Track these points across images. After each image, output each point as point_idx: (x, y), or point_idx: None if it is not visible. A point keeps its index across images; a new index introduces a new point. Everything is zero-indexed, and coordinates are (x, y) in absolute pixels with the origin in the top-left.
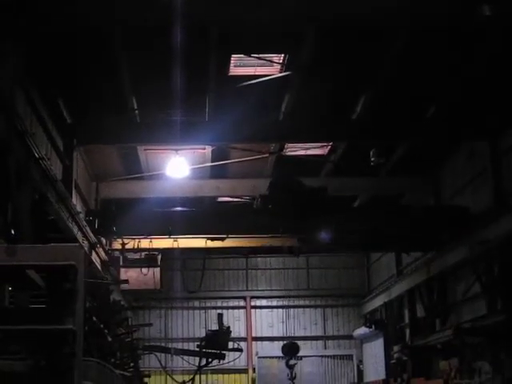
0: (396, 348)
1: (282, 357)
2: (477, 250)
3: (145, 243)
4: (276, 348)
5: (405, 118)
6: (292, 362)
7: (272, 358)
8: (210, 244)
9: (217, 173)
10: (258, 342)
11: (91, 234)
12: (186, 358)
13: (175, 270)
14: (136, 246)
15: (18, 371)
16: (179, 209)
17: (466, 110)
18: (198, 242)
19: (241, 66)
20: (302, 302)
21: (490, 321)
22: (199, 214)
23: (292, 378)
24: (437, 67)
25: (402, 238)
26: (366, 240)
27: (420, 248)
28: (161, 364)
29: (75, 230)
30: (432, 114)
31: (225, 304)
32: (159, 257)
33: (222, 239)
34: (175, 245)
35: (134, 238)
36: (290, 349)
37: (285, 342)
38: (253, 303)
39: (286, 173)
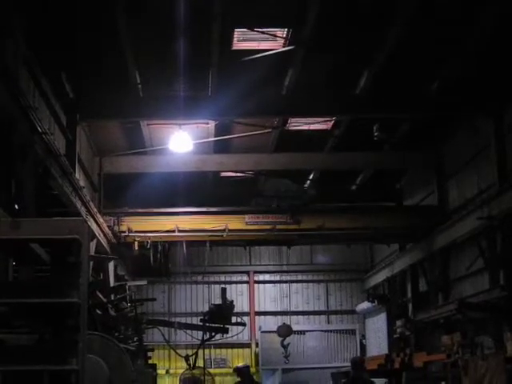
0: (399, 323)
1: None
2: (480, 226)
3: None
4: (279, 323)
5: (408, 92)
6: (286, 342)
7: (275, 332)
8: (213, 238)
9: (220, 148)
10: (261, 317)
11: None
12: (189, 332)
13: (179, 247)
14: (147, 241)
15: (23, 344)
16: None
17: (470, 86)
18: (201, 237)
19: (244, 40)
20: (305, 277)
21: (492, 296)
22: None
23: (286, 356)
24: (440, 41)
25: (380, 234)
26: (349, 236)
27: (398, 241)
28: (164, 338)
29: (78, 204)
30: (436, 88)
31: (228, 279)
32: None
33: (223, 235)
34: (181, 239)
35: (146, 235)
36: (285, 331)
37: (280, 324)
38: (256, 278)
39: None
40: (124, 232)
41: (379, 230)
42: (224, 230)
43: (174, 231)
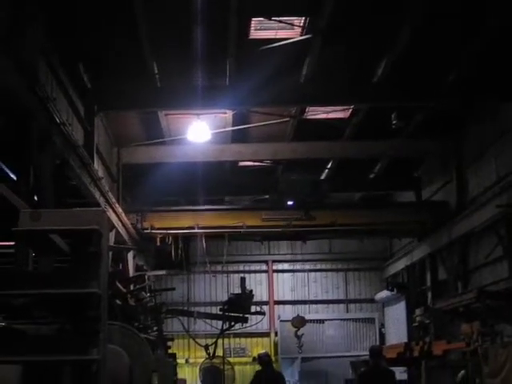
0: (418, 311)
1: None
2: (499, 214)
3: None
4: (298, 312)
5: (427, 80)
6: (300, 332)
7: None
8: (231, 234)
9: (238, 137)
10: (280, 306)
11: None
12: (208, 321)
13: (199, 240)
14: (168, 239)
15: (44, 335)
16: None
17: (488, 72)
18: (220, 233)
19: (261, 29)
20: (323, 266)
21: (511, 284)
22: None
23: (300, 346)
24: (459, 28)
25: (391, 230)
26: (362, 231)
27: (409, 236)
28: (184, 328)
29: (97, 195)
30: (454, 75)
31: (247, 268)
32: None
33: (240, 231)
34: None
35: (167, 232)
36: (299, 322)
37: (298, 313)
38: (275, 267)
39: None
40: (147, 229)
41: (390, 226)
42: (242, 227)
43: (193, 228)
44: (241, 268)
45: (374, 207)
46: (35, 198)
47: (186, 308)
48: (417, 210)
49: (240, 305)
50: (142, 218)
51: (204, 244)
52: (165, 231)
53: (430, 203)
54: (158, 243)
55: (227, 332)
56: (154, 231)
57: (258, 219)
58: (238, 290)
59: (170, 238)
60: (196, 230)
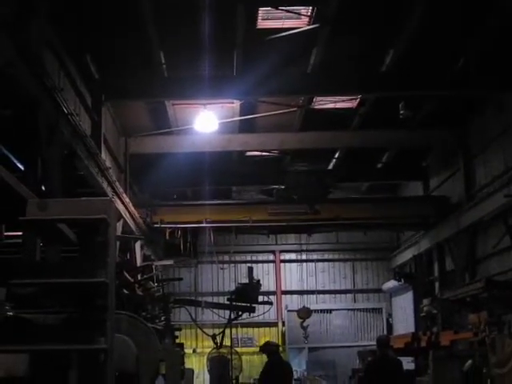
0: (425, 301)
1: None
2: (507, 203)
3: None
4: (305, 302)
5: (434, 70)
6: (306, 323)
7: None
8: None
9: (245, 127)
10: (288, 296)
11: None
12: (216, 311)
13: (207, 232)
14: (177, 232)
15: (51, 324)
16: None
17: (495, 62)
18: (227, 227)
19: (268, 19)
20: (331, 256)
21: None
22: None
23: (306, 337)
24: (466, 19)
25: (395, 222)
26: (364, 224)
27: (412, 229)
28: (191, 317)
29: (105, 185)
30: (461, 66)
31: (254, 258)
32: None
33: (247, 226)
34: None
35: (177, 227)
36: (304, 313)
37: (304, 303)
38: (282, 257)
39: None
40: (156, 223)
41: (394, 220)
42: (248, 221)
43: (202, 222)
44: (248, 258)
45: (377, 201)
46: (43, 187)
47: (193, 298)
48: (420, 203)
49: (247, 295)
50: (151, 212)
51: (212, 237)
52: (174, 225)
53: (433, 197)
54: (167, 237)
55: (234, 322)
56: (163, 225)
57: (264, 213)
58: (245, 280)
59: (179, 232)
60: (204, 225)
